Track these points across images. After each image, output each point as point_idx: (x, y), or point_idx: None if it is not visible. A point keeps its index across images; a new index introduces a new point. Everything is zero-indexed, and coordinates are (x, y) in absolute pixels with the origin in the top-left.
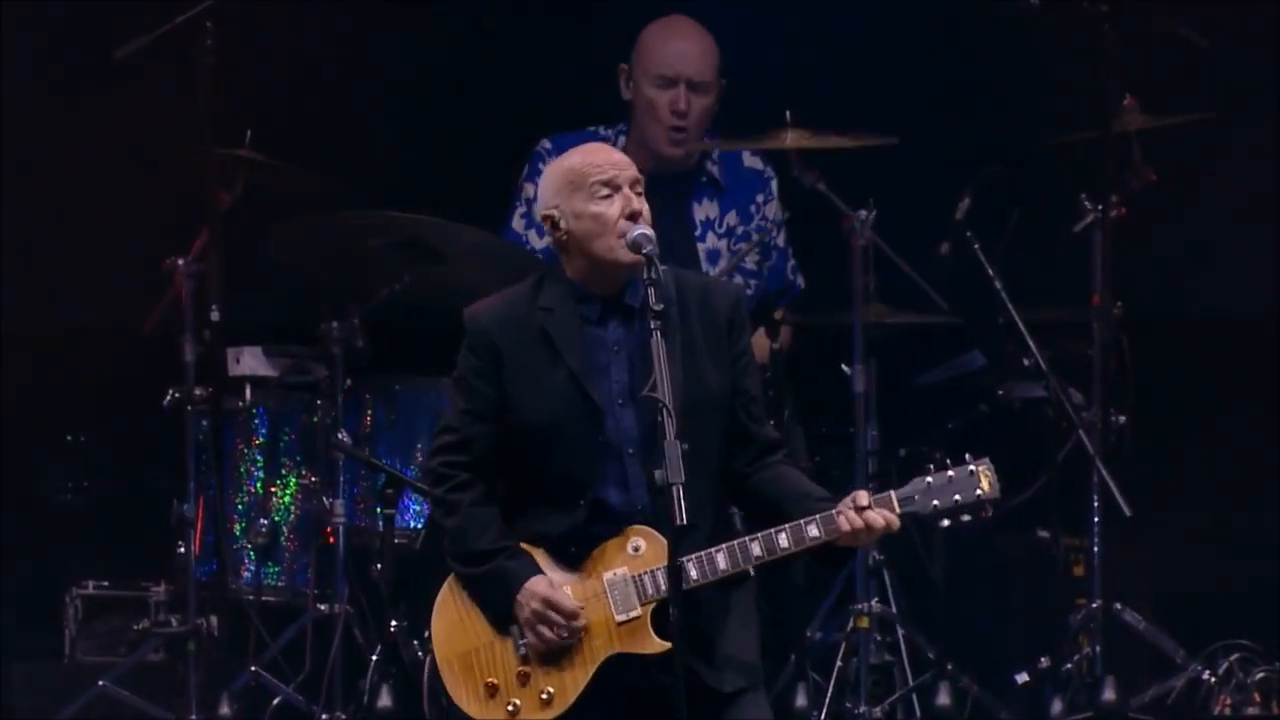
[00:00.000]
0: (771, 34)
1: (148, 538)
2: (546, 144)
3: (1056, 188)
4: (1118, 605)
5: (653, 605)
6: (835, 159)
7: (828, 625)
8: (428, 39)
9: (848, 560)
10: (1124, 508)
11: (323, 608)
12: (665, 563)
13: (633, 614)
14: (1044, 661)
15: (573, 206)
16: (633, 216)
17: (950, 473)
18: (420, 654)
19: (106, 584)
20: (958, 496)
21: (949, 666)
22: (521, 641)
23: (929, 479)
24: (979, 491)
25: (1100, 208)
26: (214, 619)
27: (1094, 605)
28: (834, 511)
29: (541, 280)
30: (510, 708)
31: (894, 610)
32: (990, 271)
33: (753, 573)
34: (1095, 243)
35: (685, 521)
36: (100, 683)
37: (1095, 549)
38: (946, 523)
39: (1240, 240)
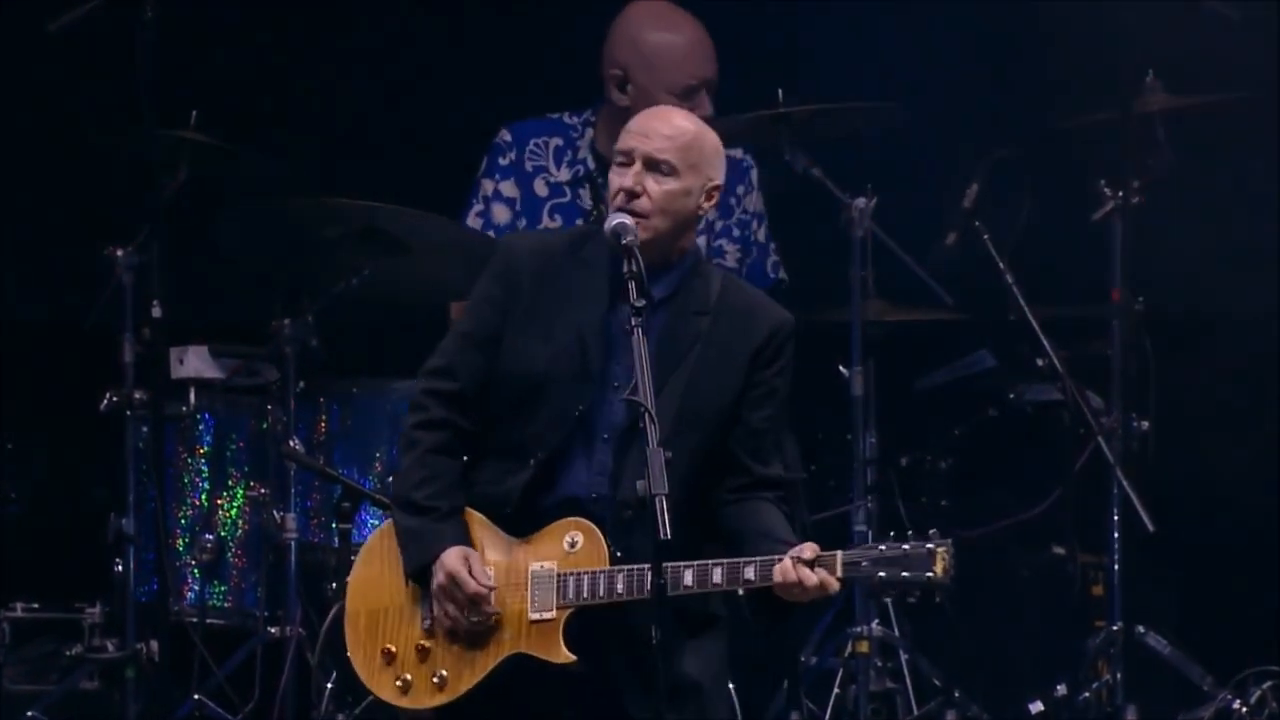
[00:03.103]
0: (763, 6)
1: (82, 554)
2: (506, 135)
3: (1073, 173)
4: (1140, 628)
5: (569, 611)
6: (831, 142)
7: (824, 649)
8: (387, 14)
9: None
10: (1146, 522)
11: (273, 630)
12: (597, 567)
13: (546, 615)
14: (1060, 689)
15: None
16: (629, 193)
17: (906, 546)
18: None
19: (36, 606)
20: (905, 573)
21: (956, 694)
22: (428, 613)
23: (882, 546)
24: (929, 574)
25: (1120, 194)
26: (154, 643)
27: (1114, 628)
28: (776, 557)
29: (587, 235)
30: (399, 683)
31: (896, 633)
32: (1000, 264)
33: (740, 590)
34: (1115, 232)
35: (669, 535)
36: (29, 714)
37: (1115, 567)
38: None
39: (1274, 230)
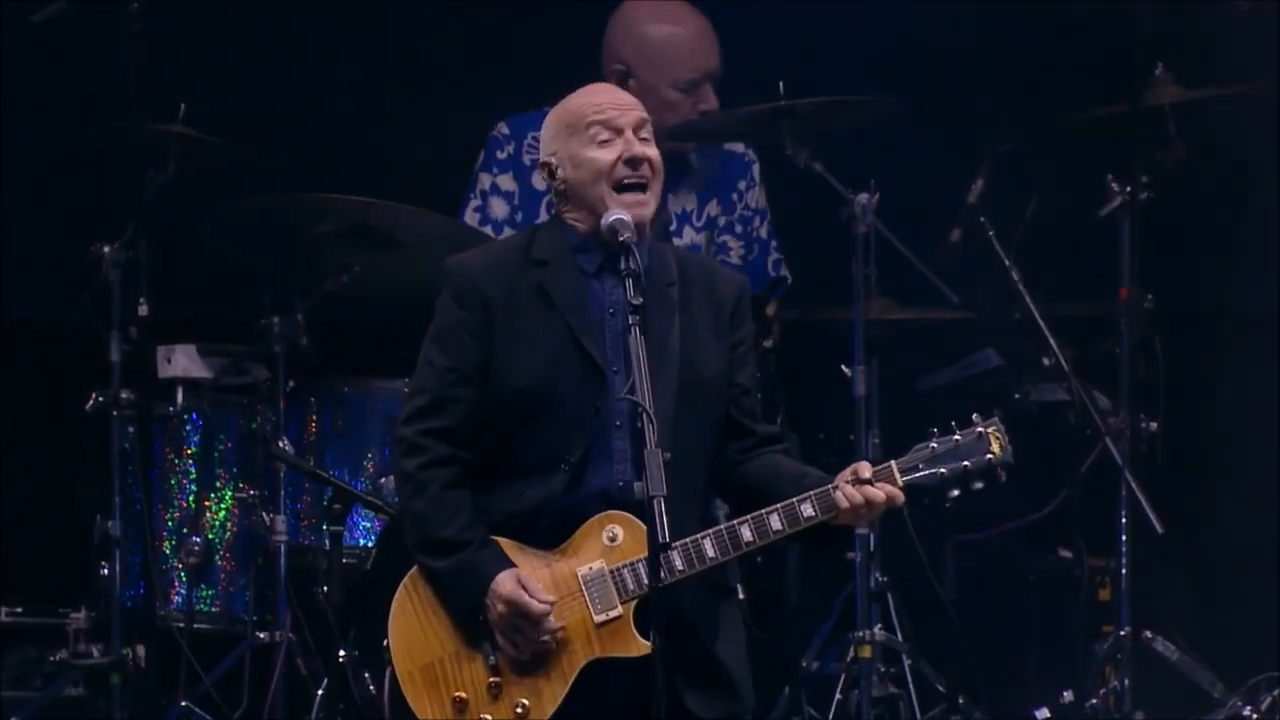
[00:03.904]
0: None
1: (67, 558)
2: (504, 128)
3: (1080, 168)
4: (1148, 633)
5: (634, 603)
6: (834, 136)
7: (826, 654)
8: (378, 8)
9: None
10: (1155, 524)
11: (262, 636)
12: (645, 554)
13: (613, 614)
14: (1067, 696)
15: (570, 151)
16: (632, 162)
17: (956, 436)
18: (371, 687)
19: (20, 610)
20: (967, 462)
21: (961, 700)
22: (491, 649)
23: (933, 444)
24: (989, 455)
25: (1129, 190)
26: (141, 649)
27: (1122, 633)
28: (830, 487)
29: (535, 232)
30: None
31: (899, 638)
32: (1006, 261)
33: (741, 593)
34: (1123, 229)
35: (668, 538)
36: None
37: (1123, 570)
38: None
39: None
